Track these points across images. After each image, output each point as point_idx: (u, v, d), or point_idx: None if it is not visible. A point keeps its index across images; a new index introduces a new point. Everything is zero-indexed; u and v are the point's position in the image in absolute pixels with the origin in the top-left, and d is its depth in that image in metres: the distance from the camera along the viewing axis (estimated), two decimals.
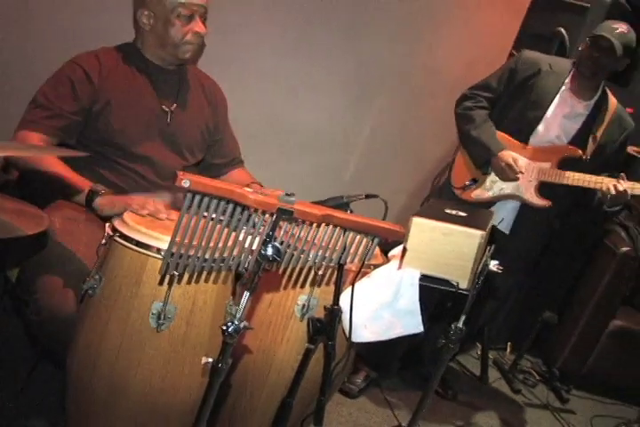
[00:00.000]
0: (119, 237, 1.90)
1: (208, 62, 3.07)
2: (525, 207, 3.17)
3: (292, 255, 1.78)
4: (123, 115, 2.43)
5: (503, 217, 3.15)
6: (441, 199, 3.34)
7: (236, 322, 1.66)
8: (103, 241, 1.96)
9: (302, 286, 2.18)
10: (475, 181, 3.21)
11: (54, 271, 2.15)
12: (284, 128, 3.69)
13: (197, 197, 1.56)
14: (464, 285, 2.08)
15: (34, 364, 2.44)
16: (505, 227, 3.20)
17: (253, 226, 1.64)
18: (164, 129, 2.53)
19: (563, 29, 3.30)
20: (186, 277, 1.84)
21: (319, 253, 1.84)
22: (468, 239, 2.04)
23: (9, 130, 2.38)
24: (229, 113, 2.84)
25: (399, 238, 1.91)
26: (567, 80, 3.14)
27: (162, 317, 1.85)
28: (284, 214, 1.60)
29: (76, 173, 2.28)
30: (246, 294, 1.66)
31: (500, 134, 3.15)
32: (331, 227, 1.76)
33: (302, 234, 1.76)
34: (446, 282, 2.08)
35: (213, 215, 1.61)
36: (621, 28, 2.96)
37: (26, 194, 2.47)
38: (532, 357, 4.31)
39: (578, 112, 3.14)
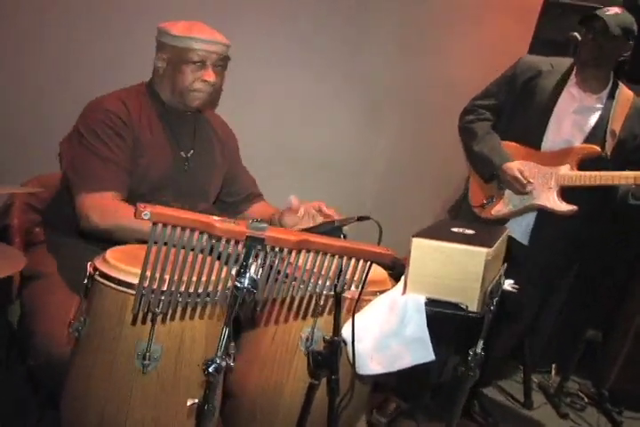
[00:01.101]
0: (99, 275, 1.82)
1: None
2: (543, 214, 3.00)
3: (276, 284, 1.66)
4: (145, 162, 2.37)
5: (522, 227, 3.01)
6: (463, 220, 3.21)
7: (218, 360, 1.55)
8: (85, 281, 1.87)
9: (304, 318, 2.07)
10: (492, 198, 3.07)
11: (50, 315, 2.09)
12: (296, 155, 3.64)
13: (162, 229, 1.46)
14: (474, 307, 1.92)
15: (40, 414, 2.36)
16: (521, 237, 3.04)
17: (227, 256, 1.53)
18: (181, 176, 2.47)
19: (576, 34, 3.15)
20: (168, 313, 1.74)
21: (310, 281, 1.71)
22: (473, 258, 1.90)
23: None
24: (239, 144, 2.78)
25: (388, 261, 1.78)
26: (572, 75, 2.99)
27: (147, 357, 1.76)
28: (255, 242, 1.49)
29: None
30: (225, 330, 1.55)
31: (510, 144, 3.02)
32: (313, 253, 1.64)
33: (291, 261, 1.65)
34: (455, 306, 1.94)
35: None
36: (613, 9, 2.83)
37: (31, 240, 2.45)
38: (579, 378, 4.08)
39: (589, 106, 2.97)
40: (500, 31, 3.75)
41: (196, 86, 2.39)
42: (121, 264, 1.83)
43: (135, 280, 1.74)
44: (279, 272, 1.61)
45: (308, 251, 1.60)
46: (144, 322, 1.75)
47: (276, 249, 1.54)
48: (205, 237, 1.48)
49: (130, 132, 2.33)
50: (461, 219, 3.28)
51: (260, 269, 1.56)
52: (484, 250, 1.89)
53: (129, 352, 1.77)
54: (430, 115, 3.84)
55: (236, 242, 1.50)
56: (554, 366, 4.11)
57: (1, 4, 3.03)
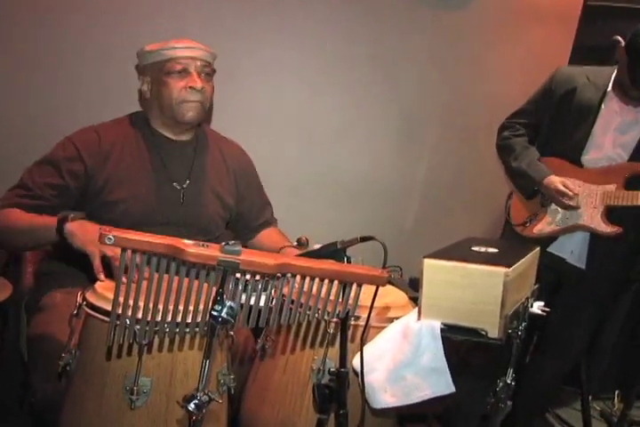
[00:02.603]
0: (87, 306, 1.73)
1: (230, 117, 2.93)
2: (597, 236, 2.79)
3: (263, 311, 1.53)
4: (124, 195, 2.24)
5: (572, 249, 2.80)
6: (505, 239, 3.04)
7: (199, 395, 1.43)
8: (75, 311, 1.78)
9: (312, 347, 1.94)
10: (535, 215, 2.89)
11: (47, 349, 1.98)
12: (325, 180, 3.51)
13: (130, 254, 1.36)
14: (494, 333, 1.75)
15: None
16: (578, 261, 2.83)
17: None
18: (176, 209, 2.33)
19: (619, 37, 2.95)
20: (155, 344, 1.63)
21: (294, 307, 1.57)
22: (490, 279, 1.73)
23: None
24: (265, 170, 2.66)
25: (382, 284, 1.62)
26: (609, 89, 2.78)
27: (135, 392, 1.64)
28: (229, 267, 1.36)
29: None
30: (206, 362, 1.43)
31: (551, 159, 2.84)
32: (308, 278, 1.51)
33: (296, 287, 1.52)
34: (473, 331, 1.77)
35: None
36: None
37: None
38: None
39: (631, 120, 2.75)
40: (539, 41, 3.57)
41: (184, 95, 2.25)
42: (109, 294, 1.73)
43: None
44: (282, 299, 1.49)
45: (295, 275, 1.46)
46: (129, 354, 1.64)
47: (250, 274, 1.42)
48: (175, 262, 1.36)
49: (81, 166, 2.21)
50: (504, 239, 3.12)
51: (242, 296, 1.44)
52: (502, 270, 1.73)
53: (117, 386, 1.67)
54: (471, 133, 3.68)
55: (209, 267, 1.39)
56: (617, 392, 3.84)
57: None
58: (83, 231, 1.97)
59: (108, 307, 1.66)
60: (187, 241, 1.39)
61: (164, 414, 1.68)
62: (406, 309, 2.08)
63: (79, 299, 1.78)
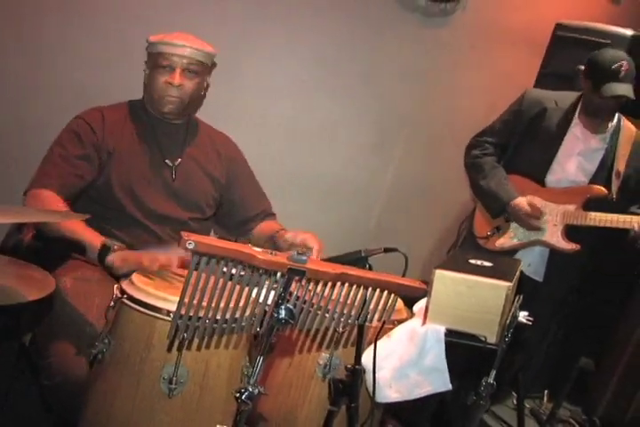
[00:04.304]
0: (127, 299, 1.83)
1: (221, 114, 3.03)
2: (555, 251, 3.04)
3: (310, 315, 1.68)
4: (124, 169, 2.41)
5: (530, 262, 3.04)
6: (464, 249, 3.23)
7: (250, 388, 1.57)
8: (112, 303, 1.88)
9: (321, 346, 2.08)
10: (498, 229, 3.10)
11: (66, 335, 2.08)
12: (303, 180, 3.66)
13: (204, 259, 1.48)
14: (492, 339, 1.96)
15: None
16: (534, 272, 3.07)
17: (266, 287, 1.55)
18: (169, 184, 2.49)
19: (582, 66, 3.19)
20: (197, 339, 1.74)
21: (337, 312, 1.73)
22: (495, 291, 1.93)
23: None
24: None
25: (420, 295, 1.80)
26: (576, 114, 3.02)
27: (173, 381, 1.76)
28: (296, 275, 1.51)
29: (89, 228, 2.22)
30: (260, 359, 1.57)
31: (517, 178, 3.05)
32: (347, 285, 1.67)
33: (319, 292, 1.67)
34: (473, 337, 1.97)
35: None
36: (623, 65, 2.80)
37: (40, 254, 2.42)
38: (571, 405, 4.10)
39: (593, 147, 3.01)
40: (509, 63, 3.80)
41: (164, 90, 2.42)
42: (150, 288, 1.84)
43: (165, 305, 1.77)
44: (305, 303, 1.63)
45: (343, 283, 1.62)
46: (170, 348, 1.75)
47: (314, 282, 1.56)
48: (246, 267, 1.49)
49: (94, 138, 2.38)
50: (463, 248, 3.31)
51: (296, 301, 1.58)
52: (505, 284, 1.93)
53: (155, 376, 1.77)
54: (436, 144, 3.89)
55: (275, 273, 1.52)
56: (546, 392, 4.12)
57: None
58: (123, 263, 2.09)
59: (149, 300, 1.80)
60: (256, 248, 1.52)
61: (197, 403, 1.80)
62: (402, 313, 2.24)
63: (116, 291, 1.87)
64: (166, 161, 2.50)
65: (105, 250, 2.12)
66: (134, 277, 1.94)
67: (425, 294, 1.85)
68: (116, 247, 2.13)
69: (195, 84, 2.47)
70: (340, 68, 3.60)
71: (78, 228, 2.20)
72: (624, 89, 2.81)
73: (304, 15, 3.46)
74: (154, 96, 2.46)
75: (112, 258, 2.11)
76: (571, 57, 3.29)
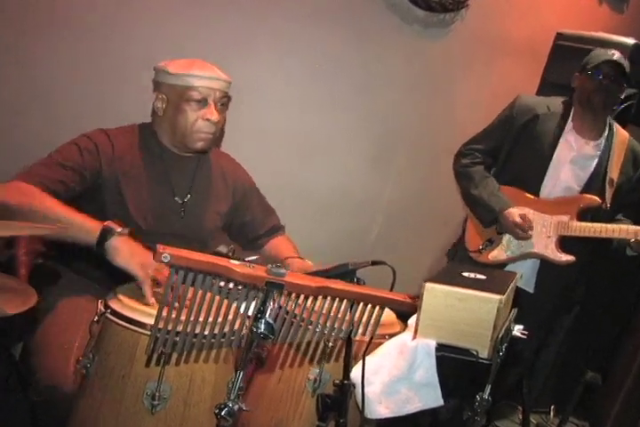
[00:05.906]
0: (111, 313, 1.81)
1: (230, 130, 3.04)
2: (546, 262, 2.99)
3: (291, 328, 1.66)
4: (128, 202, 2.28)
5: (522, 274, 2.99)
6: (458, 262, 3.19)
7: (230, 404, 1.55)
8: (95, 318, 1.86)
9: (312, 360, 2.05)
10: (490, 241, 3.06)
11: (54, 350, 2.05)
12: (301, 193, 3.64)
13: (181, 272, 1.46)
14: (484, 353, 1.92)
15: None
16: (526, 284, 3.02)
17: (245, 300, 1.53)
18: (176, 222, 2.39)
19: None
20: (183, 355, 1.72)
21: (320, 325, 1.70)
22: (486, 304, 1.89)
23: None
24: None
25: (407, 308, 1.77)
26: (569, 120, 2.99)
27: (156, 397, 1.74)
28: (275, 288, 1.48)
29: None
30: (240, 374, 1.54)
31: (509, 189, 3.01)
32: (329, 298, 1.64)
33: (300, 305, 1.64)
34: (465, 351, 1.93)
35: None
36: (615, 52, 2.86)
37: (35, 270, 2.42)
38: (577, 419, 4.05)
39: (587, 154, 2.97)
40: (510, 73, 3.79)
41: (199, 126, 2.29)
42: (134, 303, 1.82)
43: (149, 320, 1.75)
44: (295, 316, 1.61)
45: (325, 297, 1.59)
46: (157, 363, 1.72)
47: (294, 295, 1.54)
48: (224, 281, 1.47)
49: (97, 159, 2.22)
50: (458, 262, 3.27)
51: (276, 314, 1.56)
52: (497, 297, 1.89)
53: (138, 391, 1.75)
54: (435, 158, 3.86)
55: (254, 287, 1.50)
56: (552, 406, 4.07)
57: None
58: (129, 251, 1.96)
59: (133, 315, 1.78)
60: (233, 261, 1.50)
61: (181, 419, 1.78)
62: (395, 327, 2.21)
63: (101, 306, 1.85)
64: (175, 198, 2.39)
65: (107, 231, 1.95)
66: (119, 291, 1.92)
67: (412, 307, 1.82)
68: (120, 230, 1.97)
69: (224, 117, 2.39)
70: (338, 80, 3.59)
71: (74, 212, 2.02)
72: (617, 56, 2.85)
73: (301, 27, 3.45)
74: (183, 132, 2.30)
75: (116, 241, 1.94)
76: (572, 67, 3.25)
